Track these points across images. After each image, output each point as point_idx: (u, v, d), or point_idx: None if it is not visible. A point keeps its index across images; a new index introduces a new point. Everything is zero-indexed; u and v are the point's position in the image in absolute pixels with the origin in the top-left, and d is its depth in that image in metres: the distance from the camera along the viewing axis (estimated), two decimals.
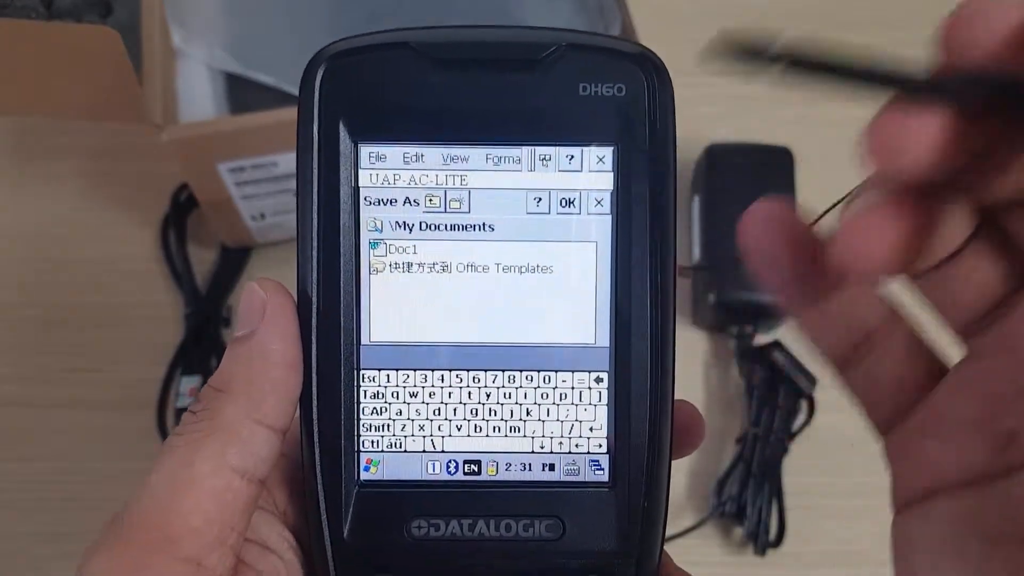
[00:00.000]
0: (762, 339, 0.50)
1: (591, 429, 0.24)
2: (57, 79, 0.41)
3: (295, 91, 0.50)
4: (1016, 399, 0.19)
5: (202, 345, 0.50)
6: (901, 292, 0.22)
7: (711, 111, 0.56)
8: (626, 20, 0.47)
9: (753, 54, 0.17)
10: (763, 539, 0.45)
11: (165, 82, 0.46)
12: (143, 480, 0.21)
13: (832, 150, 0.56)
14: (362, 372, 0.23)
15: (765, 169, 0.51)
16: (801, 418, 0.49)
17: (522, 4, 0.51)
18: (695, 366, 0.52)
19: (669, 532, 0.46)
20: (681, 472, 0.48)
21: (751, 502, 0.46)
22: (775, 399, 0.48)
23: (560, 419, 0.24)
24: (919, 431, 0.21)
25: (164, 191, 0.53)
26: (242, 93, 0.49)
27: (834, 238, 0.18)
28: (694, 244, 0.52)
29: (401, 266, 0.23)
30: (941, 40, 0.17)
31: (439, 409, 0.24)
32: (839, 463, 0.48)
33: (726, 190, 0.51)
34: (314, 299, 0.23)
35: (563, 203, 0.23)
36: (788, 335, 0.50)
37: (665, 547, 0.48)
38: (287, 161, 0.46)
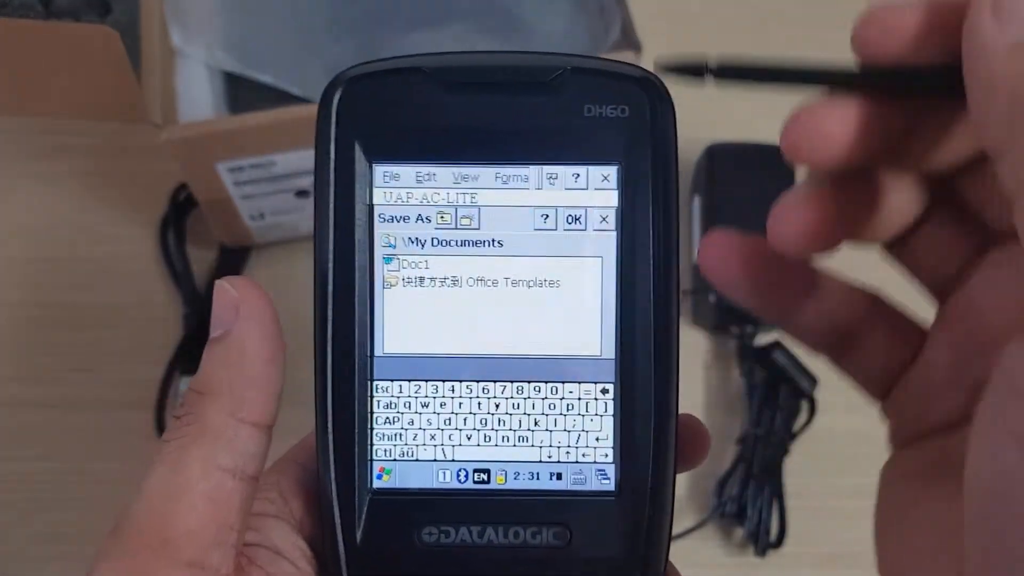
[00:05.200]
0: (763, 339, 0.50)
1: (597, 439, 0.24)
2: (56, 78, 0.41)
3: (294, 91, 0.51)
4: (979, 355, 0.21)
5: (201, 345, 0.50)
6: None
7: (711, 111, 0.56)
8: (626, 20, 0.47)
9: (690, 71, 0.21)
10: (764, 540, 0.45)
11: (164, 81, 0.45)
12: (138, 487, 0.21)
13: None
14: (375, 383, 0.24)
15: (766, 169, 0.51)
16: (802, 419, 0.49)
17: (521, 4, 0.51)
18: (695, 366, 0.52)
19: None
20: (682, 473, 0.48)
21: (752, 503, 0.46)
22: (776, 400, 0.48)
23: (567, 429, 0.24)
24: (908, 392, 0.23)
25: (163, 191, 0.53)
26: (241, 92, 0.49)
27: (769, 224, 0.21)
28: (694, 244, 0.52)
29: (413, 280, 0.24)
30: (855, 41, 0.19)
31: (450, 419, 0.24)
32: (839, 464, 0.48)
33: (727, 190, 0.51)
34: (330, 312, 0.24)
35: (569, 220, 0.24)
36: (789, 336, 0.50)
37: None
38: (286, 161, 0.46)
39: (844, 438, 0.47)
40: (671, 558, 0.25)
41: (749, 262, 0.23)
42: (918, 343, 0.24)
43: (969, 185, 0.22)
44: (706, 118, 0.55)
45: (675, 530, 0.46)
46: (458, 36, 0.50)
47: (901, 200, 0.22)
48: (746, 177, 0.51)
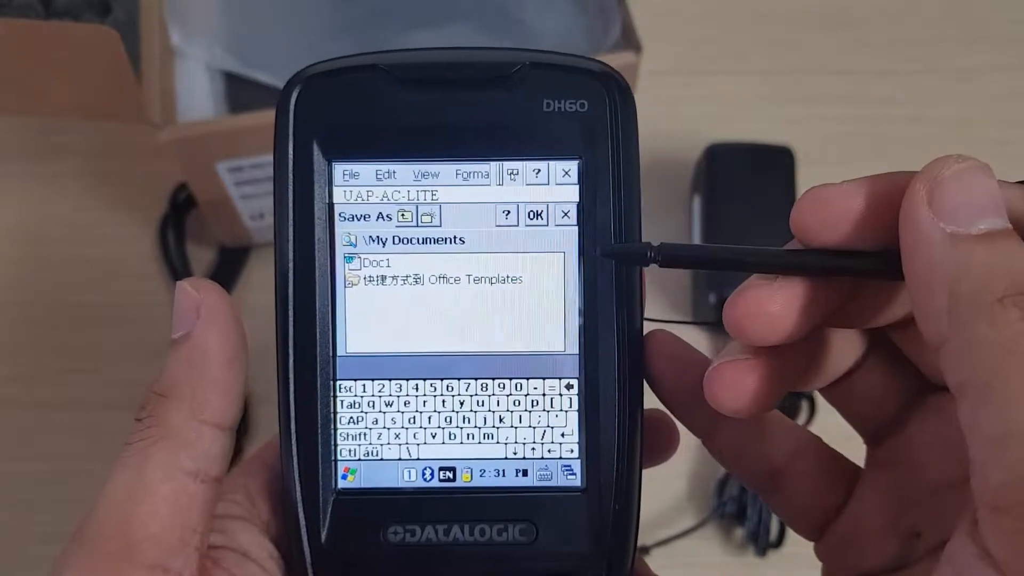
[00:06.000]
0: None
1: (562, 435, 0.24)
2: (55, 78, 0.41)
3: None
4: (915, 503, 0.22)
5: None
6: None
7: (711, 111, 0.56)
8: (627, 20, 0.47)
9: (636, 258, 0.22)
10: (764, 540, 0.45)
11: (164, 81, 0.45)
12: (100, 491, 0.21)
13: (832, 149, 0.56)
14: (339, 383, 0.24)
15: (766, 168, 0.51)
16: (802, 418, 0.48)
17: (521, 4, 0.51)
18: None
19: (670, 533, 0.46)
20: (682, 473, 0.48)
21: (752, 503, 0.46)
22: None
23: (532, 425, 0.24)
24: (843, 537, 0.23)
25: (163, 191, 0.53)
26: (241, 92, 0.49)
27: (704, 382, 0.21)
28: (694, 243, 0.52)
29: (375, 279, 0.24)
30: (794, 226, 0.19)
31: (414, 418, 0.24)
32: None
33: (727, 190, 0.51)
34: (291, 312, 0.24)
35: (531, 215, 0.24)
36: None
37: (665, 547, 0.47)
38: None
39: (844, 437, 0.47)
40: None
41: (683, 372, 0.23)
42: (849, 483, 0.24)
43: (904, 337, 0.22)
44: (706, 118, 0.55)
45: (675, 530, 0.46)
46: (458, 36, 0.50)
47: (839, 352, 0.22)
48: (746, 177, 0.51)
